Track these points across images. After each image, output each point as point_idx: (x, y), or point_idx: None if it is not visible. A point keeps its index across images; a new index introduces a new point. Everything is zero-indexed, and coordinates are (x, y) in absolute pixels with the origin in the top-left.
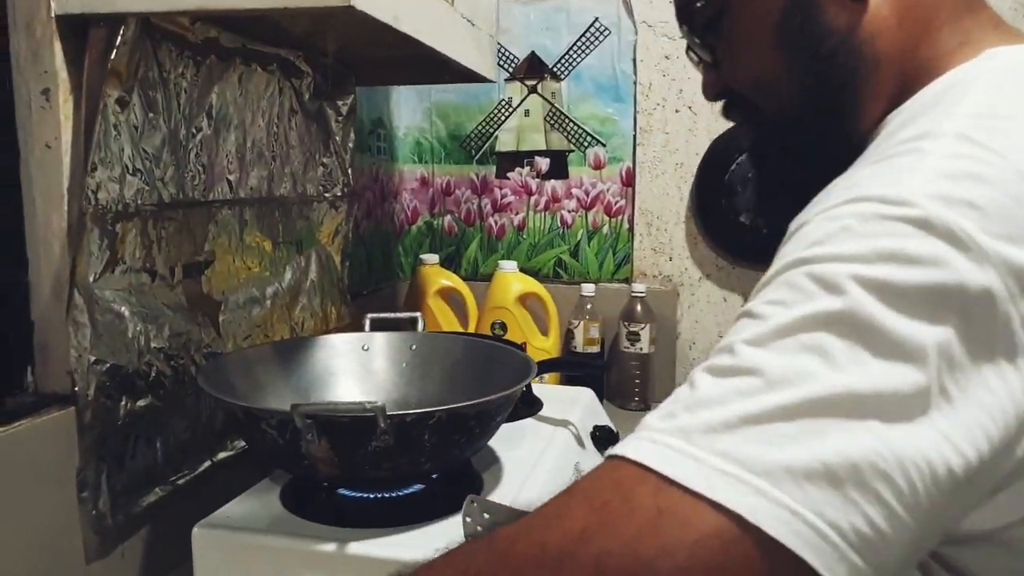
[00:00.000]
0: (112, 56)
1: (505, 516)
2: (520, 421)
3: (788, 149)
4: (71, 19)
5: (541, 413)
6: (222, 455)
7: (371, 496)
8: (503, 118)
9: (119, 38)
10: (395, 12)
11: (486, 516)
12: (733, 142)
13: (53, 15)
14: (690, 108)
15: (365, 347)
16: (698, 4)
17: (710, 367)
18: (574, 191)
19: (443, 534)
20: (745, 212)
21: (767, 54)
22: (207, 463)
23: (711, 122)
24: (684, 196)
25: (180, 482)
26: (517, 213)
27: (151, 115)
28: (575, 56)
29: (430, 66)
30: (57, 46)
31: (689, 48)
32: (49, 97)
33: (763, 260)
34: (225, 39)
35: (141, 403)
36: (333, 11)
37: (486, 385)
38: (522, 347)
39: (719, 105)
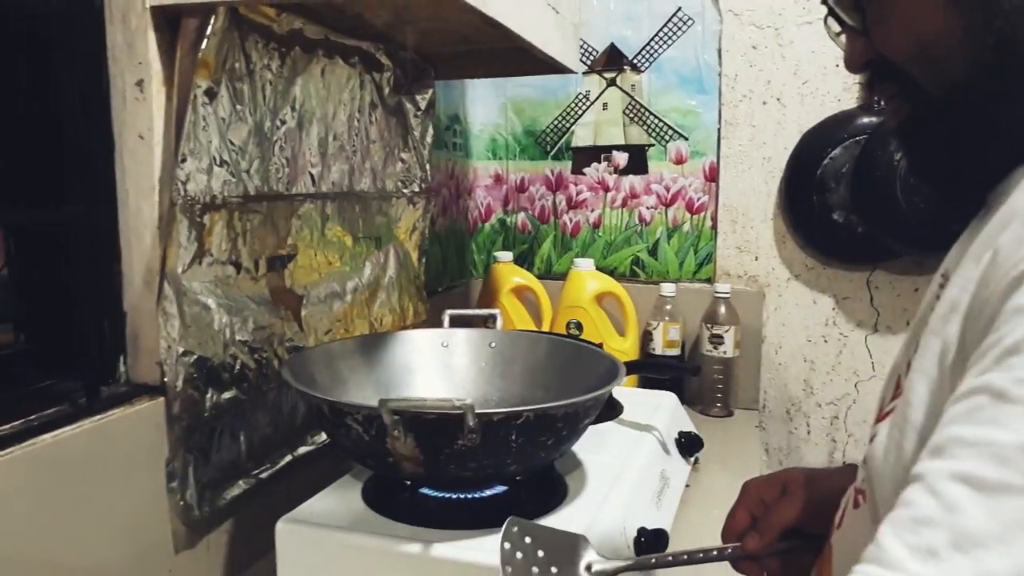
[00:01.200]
0: (203, 47)
1: (549, 541)
2: (601, 425)
3: (953, 131)
4: (165, 10)
5: (622, 417)
6: (302, 450)
7: (453, 496)
8: (580, 112)
9: (209, 28)
10: None
11: (527, 541)
12: (825, 135)
13: (148, 6)
14: (778, 100)
15: (445, 344)
16: None
17: (966, 476)
18: (653, 187)
19: None
20: (838, 209)
21: (933, 12)
22: (288, 458)
23: (801, 115)
24: (772, 192)
25: (263, 476)
26: (593, 210)
27: (238, 107)
28: (656, 47)
29: (511, 57)
30: (151, 37)
31: (829, 13)
32: (143, 88)
33: (857, 260)
34: (309, 31)
35: (226, 395)
36: None
37: (569, 386)
38: (599, 348)
39: (814, 95)
